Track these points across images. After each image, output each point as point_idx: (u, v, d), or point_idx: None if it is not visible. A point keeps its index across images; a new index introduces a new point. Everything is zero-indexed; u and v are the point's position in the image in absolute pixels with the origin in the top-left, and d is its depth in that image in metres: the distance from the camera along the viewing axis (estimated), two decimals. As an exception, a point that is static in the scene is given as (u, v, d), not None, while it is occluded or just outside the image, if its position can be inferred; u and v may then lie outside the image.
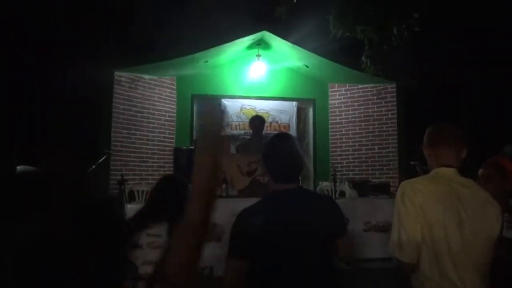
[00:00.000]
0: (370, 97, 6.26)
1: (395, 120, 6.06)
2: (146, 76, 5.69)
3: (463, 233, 1.50)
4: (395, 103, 6.09)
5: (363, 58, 6.35)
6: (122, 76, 5.46)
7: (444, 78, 6.99)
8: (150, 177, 5.51)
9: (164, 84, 5.97)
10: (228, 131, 6.31)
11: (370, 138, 6.18)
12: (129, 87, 5.53)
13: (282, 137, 1.67)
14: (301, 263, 1.42)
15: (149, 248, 1.95)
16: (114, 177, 5.08)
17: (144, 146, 5.66)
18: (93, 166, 3.52)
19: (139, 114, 5.62)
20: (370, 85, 6.23)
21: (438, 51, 7.01)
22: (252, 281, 1.42)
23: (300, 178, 2.00)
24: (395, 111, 6.08)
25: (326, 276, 1.48)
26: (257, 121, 4.68)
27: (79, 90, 5.17)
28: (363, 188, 4.65)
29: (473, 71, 7.22)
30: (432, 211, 1.51)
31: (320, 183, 5.57)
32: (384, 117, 6.14)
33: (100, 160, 3.71)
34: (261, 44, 5.94)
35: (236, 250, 1.43)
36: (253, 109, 6.35)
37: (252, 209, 1.52)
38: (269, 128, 6.33)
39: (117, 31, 6.54)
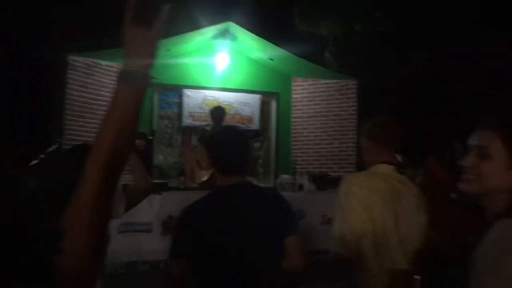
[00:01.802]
0: (332, 93, 6.37)
1: (355, 116, 6.20)
2: (103, 62, 5.45)
3: (399, 227, 1.57)
4: (355, 100, 6.23)
5: (326, 54, 6.47)
6: (77, 61, 5.19)
7: (404, 77, 7.24)
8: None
9: (124, 71, 5.74)
10: (190, 122, 6.20)
11: (331, 132, 6.30)
12: (85, 73, 5.27)
13: (228, 129, 1.63)
14: (245, 262, 1.38)
15: None
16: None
17: (100, 136, 5.44)
18: (42, 156, 3.32)
19: (95, 102, 5.37)
20: (333, 81, 6.33)
21: (400, 50, 7.23)
22: (196, 282, 1.38)
23: (256, 170, 1.99)
24: (356, 107, 6.22)
25: (272, 276, 1.45)
26: (218, 112, 4.65)
27: (29, 74, 4.86)
28: (322, 181, 4.73)
29: (432, 70, 7.53)
30: (374, 206, 1.56)
31: (280, 176, 5.61)
32: (344, 113, 6.27)
33: (49, 150, 3.50)
34: (226, 35, 5.84)
35: (177, 250, 1.40)
36: (216, 100, 6.27)
37: (194, 207, 1.46)
38: (232, 120, 6.28)
39: (73, 14, 6.20)
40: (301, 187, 4.71)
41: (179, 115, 6.22)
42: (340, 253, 1.57)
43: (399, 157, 5.19)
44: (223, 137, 1.54)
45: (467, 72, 7.27)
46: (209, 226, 1.38)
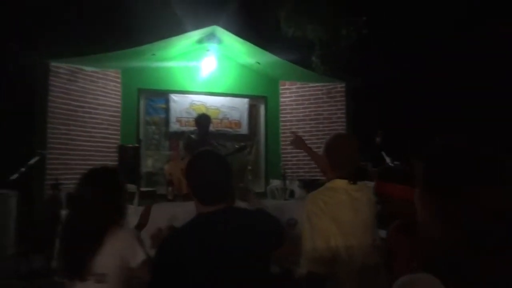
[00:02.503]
0: (320, 96, 6.35)
1: (344, 119, 6.19)
2: (88, 68, 5.30)
3: (366, 235, 1.63)
4: (344, 103, 6.22)
5: (313, 57, 6.44)
6: (60, 67, 5.04)
7: (391, 79, 7.28)
8: (92, 176, 5.16)
9: (108, 77, 5.60)
10: (177, 127, 6.10)
11: (320, 136, 6.26)
12: (68, 80, 5.12)
13: (203, 155, 1.51)
14: None
15: None
16: (51, 176, 4.70)
17: (85, 143, 5.29)
18: (23, 169, 3.17)
19: (79, 109, 5.22)
20: (321, 84, 6.31)
21: (386, 53, 7.27)
22: None
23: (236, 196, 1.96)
24: (344, 111, 6.21)
25: None
26: (203, 119, 4.60)
27: (9, 82, 4.69)
28: (312, 187, 4.67)
29: (420, 71, 7.59)
30: (342, 220, 1.59)
31: (271, 181, 5.55)
32: (333, 116, 6.25)
33: (31, 162, 3.34)
34: (212, 39, 5.77)
35: (158, 285, 1.33)
36: (204, 105, 6.18)
37: (170, 243, 1.38)
38: (220, 125, 6.20)
39: (57, 20, 6.04)
40: (292, 193, 4.66)
41: (166, 120, 6.11)
42: (315, 272, 1.54)
43: (388, 160, 5.10)
44: (199, 166, 1.45)
45: (455, 72, 7.36)
46: (189, 264, 1.30)
